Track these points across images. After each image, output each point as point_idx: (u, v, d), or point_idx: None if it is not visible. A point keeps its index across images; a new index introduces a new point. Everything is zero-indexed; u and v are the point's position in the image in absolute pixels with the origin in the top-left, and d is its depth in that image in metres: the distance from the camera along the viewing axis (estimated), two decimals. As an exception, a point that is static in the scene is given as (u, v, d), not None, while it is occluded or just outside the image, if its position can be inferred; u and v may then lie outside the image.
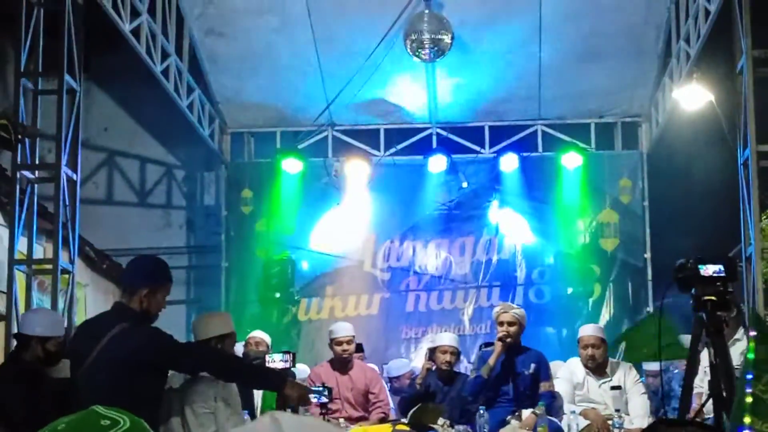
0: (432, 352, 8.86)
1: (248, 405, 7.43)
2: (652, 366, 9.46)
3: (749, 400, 4.08)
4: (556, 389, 8.16)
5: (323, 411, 7.94)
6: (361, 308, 12.73)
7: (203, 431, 5.54)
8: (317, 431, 0.99)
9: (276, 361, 7.78)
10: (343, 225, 12.86)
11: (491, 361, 8.00)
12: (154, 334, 5.20)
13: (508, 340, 7.98)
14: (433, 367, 8.77)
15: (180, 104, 11.50)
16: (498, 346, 8.03)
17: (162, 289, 5.33)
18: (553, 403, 8.01)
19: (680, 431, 2.32)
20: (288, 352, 7.81)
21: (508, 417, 7.65)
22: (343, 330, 8.93)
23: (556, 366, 8.69)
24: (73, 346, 5.53)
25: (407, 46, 10.76)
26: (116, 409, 1.60)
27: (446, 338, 9.02)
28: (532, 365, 8.05)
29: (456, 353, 8.80)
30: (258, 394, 8.35)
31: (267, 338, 9.53)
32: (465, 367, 11.01)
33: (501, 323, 8.08)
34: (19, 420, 6.07)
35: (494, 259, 12.78)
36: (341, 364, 8.84)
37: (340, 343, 8.80)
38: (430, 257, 12.87)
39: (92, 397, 5.00)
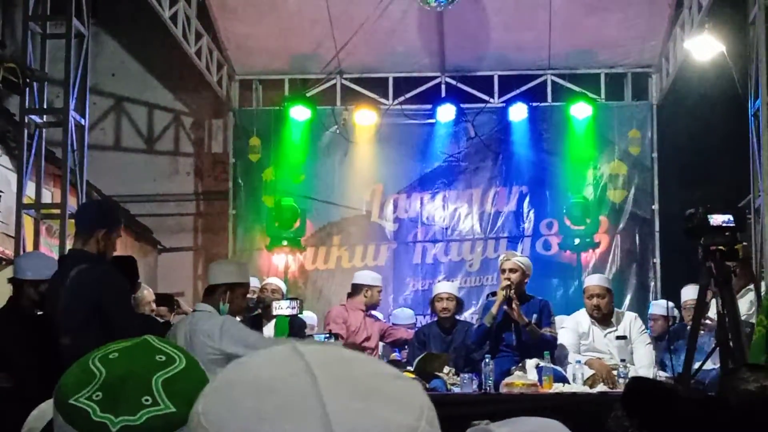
0: (432, 303, 8.88)
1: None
2: (658, 310, 9.46)
3: None
4: (562, 339, 8.19)
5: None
6: (368, 259, 12.71)
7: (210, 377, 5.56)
8: (339, 355, 0.97)
9: (283, 308, 7.80)
10: (351, 174, 12.83)
11: (494, 309, 8.03)
12: (108, 276, 5.33)
13: (511, 290, 7.98)
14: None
15: (188, 50, 11.44)
16: (500, 295, 8.05)
17: (116, 230, 5.49)
18: (557, 352, 8.06)
19: (762, 375, 2.36)
20: (295, 299, 7.83)
21: (513, 368, 7.68)
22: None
23: (561, 320, 8.72)
24: (46, 295, 5.73)
25: (417, -7, 10.67)
26: (172, 344, 1.42)
27: (443, 286, 9.06)
28: (534, 315, 8.07)
29: (454, 300, 8.80)
30: (268, 330, 8.31)
31: (282, 285, 9.52)
32: (471, 316, 11.03)
33: (503, 270, 8.11)
34: (20, 366, 6.09)
35: (502, 210, 12.75)
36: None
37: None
38: (438, 208, 12.82)
39: (68, 339, 5.16)
